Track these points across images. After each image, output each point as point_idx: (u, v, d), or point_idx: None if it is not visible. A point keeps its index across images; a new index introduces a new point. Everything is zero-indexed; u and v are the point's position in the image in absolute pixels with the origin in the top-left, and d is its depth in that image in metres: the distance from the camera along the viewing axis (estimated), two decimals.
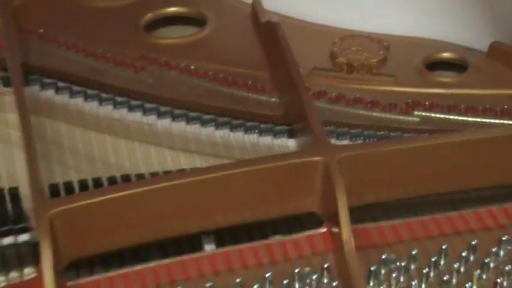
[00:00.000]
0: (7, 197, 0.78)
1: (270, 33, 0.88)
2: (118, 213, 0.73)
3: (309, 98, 0.81)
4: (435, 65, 0.93)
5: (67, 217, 0.72)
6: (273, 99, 0.87)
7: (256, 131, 0.85)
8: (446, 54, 0.93)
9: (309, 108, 0.80)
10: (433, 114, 0.87)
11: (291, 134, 0.84)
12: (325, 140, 0.77)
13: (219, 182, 0.74)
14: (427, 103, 0.88)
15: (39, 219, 0.71)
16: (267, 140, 0.84)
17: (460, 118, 0.87)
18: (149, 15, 0.95)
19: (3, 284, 0.73)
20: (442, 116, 0.87)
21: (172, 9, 0.96)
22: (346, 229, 0.73)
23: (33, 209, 0.75)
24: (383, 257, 0.74)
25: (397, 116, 0.87)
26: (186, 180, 0.74)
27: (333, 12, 0.94)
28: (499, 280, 0.73)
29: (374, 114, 0.87)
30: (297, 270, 0.73)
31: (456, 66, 0.93)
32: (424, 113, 0.87)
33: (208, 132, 0.85)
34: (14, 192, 0.77)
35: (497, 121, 0.87)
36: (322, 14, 0.94)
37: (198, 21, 0.96)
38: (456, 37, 0.94)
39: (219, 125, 0.85)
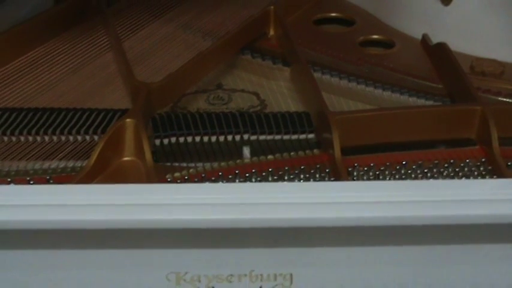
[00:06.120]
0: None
1: (440, 50, 1.50)
2: (370, 122, 1.32)
3: (471, 81, 1.42)
4: None
5: (344, 121, 1.31)
6: (440, 86, 1.48)
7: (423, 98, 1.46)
8: None
9: (472, 87, 1.40)
10: None
11: (453, 101, 1.44)
12: (482, 99, 1.39)
13: (421, 113, 1.35)
14: None
15: (332, 122, 1.28)
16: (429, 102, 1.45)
17: None
18: (361, 38, 1.59)
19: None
20: None
21: (376, 36, 1.59)
22: (496, 147, 1.30)
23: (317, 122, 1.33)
24: None
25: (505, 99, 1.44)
26: (406, 110, 1.35)
27: (469, 44, 1.55)
28: None
29: (492, 97, 1.44)
30: (462, 165, 1.30)
31: None
32: None
33: (396, 96, 1.46)
34: (307, 114, 1.37)
35: None
36: (464, 47, 1.55)
37: (387, 45, 1.59)
38: None
39: (401, 93, 1.46)
